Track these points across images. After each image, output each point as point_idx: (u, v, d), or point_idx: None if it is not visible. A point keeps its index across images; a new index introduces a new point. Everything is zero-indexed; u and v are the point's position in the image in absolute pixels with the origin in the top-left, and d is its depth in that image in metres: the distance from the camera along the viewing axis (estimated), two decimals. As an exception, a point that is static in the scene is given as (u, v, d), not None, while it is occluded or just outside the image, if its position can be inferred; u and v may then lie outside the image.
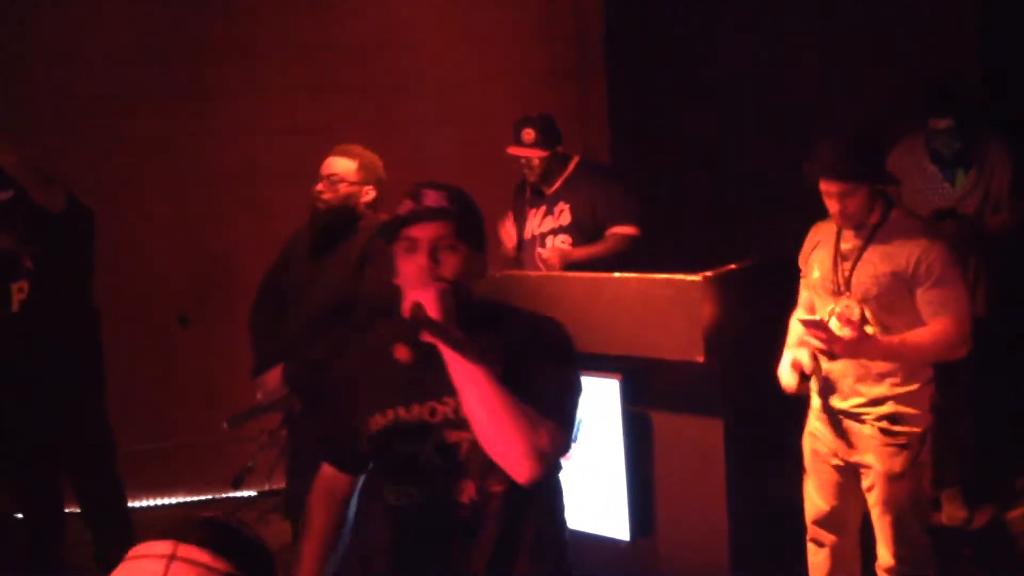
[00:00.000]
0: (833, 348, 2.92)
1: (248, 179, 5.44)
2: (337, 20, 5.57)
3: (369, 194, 3.63)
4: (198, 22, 5.41)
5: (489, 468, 1.98)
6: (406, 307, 1.91)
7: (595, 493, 3.55)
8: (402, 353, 1.88)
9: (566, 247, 4.37)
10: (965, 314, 2.96)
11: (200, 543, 1.37)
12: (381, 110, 5.57)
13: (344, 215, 3.59)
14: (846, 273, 3.07)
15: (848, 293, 3.06)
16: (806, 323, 2.98)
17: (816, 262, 3.20)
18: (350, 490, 2.29)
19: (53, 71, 5.22)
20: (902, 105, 4.47)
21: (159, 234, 5.34)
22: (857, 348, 2.94)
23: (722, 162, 5.23)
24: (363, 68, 5.61)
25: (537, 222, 4.50)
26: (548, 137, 4.40)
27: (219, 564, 1.36)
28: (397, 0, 5.59)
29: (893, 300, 2.99)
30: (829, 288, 3.12)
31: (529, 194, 4.56)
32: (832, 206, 3.04)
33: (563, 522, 2.20)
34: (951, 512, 4.31)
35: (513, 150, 4.43)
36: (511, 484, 1.98)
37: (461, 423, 1.99)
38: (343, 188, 3.58)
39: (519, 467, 1.90)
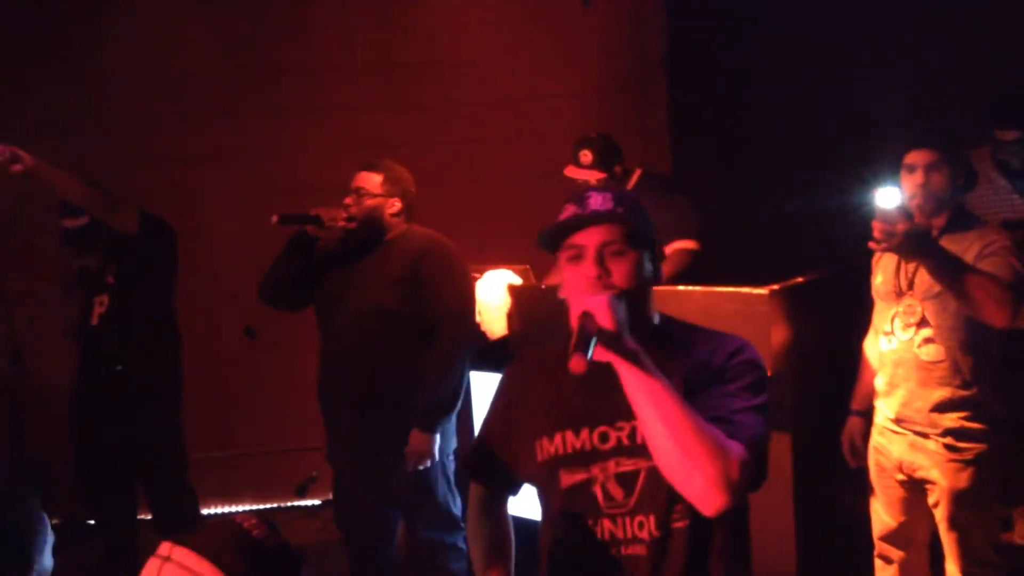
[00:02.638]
0: (891, 242, 2.76)
1: (314, 195, 5.50)
2: (401, 40, 5.67)
3: (395, 205, 3.69)
4: (267, 43, 5.54)
5: (671, 500, 1.79)
6: (574, 318, 1.73)
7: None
8: (577, 364, 1.63)
9: None
10: (1017, 286, 2.86)
11: (196, 548, 1.45)
12: (443, 127, 5.65)
13: (371, 227, 3.67)
14: (909, 274, 3.05)
15: (911, 293, 3.03)
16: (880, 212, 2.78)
17: (880, 268, 3.19)
18: (504, 506, 2.15)
19: (128, 92, 5.38)
20: (968, 118, 4.42)
21: (227, 248, 5.46)
22: (919, 242, 2.78)
23: (784, 176, 5.20)
24: (426, 86, 5.69)
25: None
26: (605, 158, 4.37)
27: (203, 569, 1.43)
28: (459, 20, 5.67)
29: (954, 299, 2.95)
30: (892, 290, 3.10)
31: None
32: (915, 180, 3.00)
33: (749, 564, 2.00)
34: None
35: (571, 172, 4.40)
36: (695, 519, 1.78)
37: (637, 450, 1.81)
38: (367, 201, 3.65)
39: (705, 496, 1.69)
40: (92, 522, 4.32)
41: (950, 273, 2.82)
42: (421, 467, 3.57)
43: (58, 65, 5.27)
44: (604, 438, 1.87)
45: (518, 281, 4.17)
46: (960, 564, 3.09)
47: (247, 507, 5.43)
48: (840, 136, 4.89)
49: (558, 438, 1.91)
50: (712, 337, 1.91)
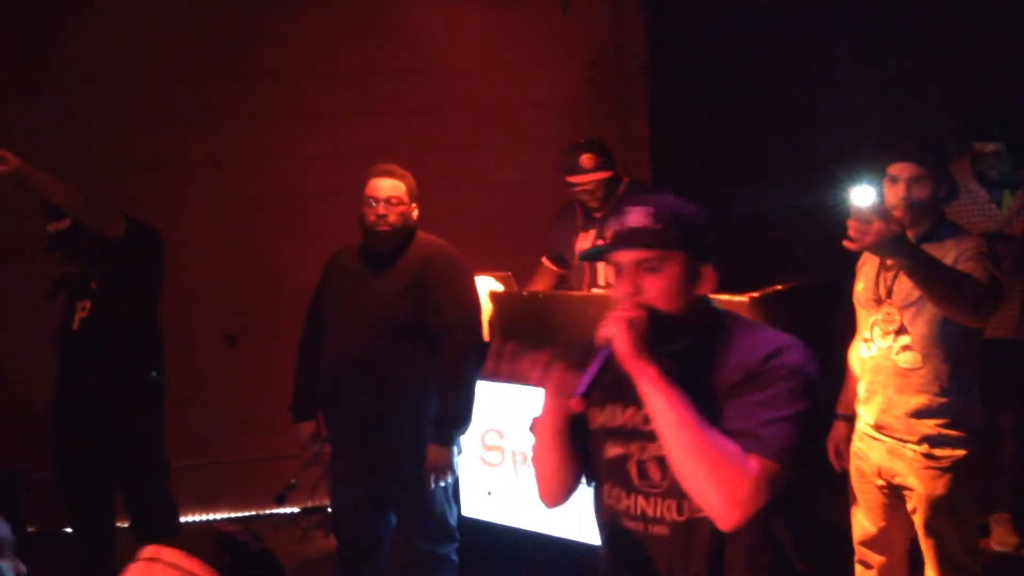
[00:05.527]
0: (865, 240, 2.75)
1: (292, 201, 5.53)
2: (381, 47, 5.67)
3: (416, 212, 3.71)
4: (245, 47, 5.52)
5: None
6: (598, 337, 1.85)
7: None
8: (576, 404, 1.82)
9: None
10: (991, 288, 2.88)
11: (183, 548, 1.44)
12: (422, 134, 5.65)
13: (406, 235, 3.69)
14: (888, 282, 3.07)
15: (889, 301, 3.05)
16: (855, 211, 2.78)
17: (862, 275, 3.21)
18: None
19: (103, 95, 5.34)
20: (946, 131, 4.45)
21: (206, 254, 5.43)
22: (894, 241, 2.75)
23: (766, 180, 5.23)
24: (405, 93, 5.69)
25: (587, 246, 4.37)
26: (607, 158, 4.32)
27: (194, 567, 1.41)
28: (439, 27, 5.67)
29: (932, 306, 2.96)
30: (871, 298, 3.12)
31: (581, 218, 4.45)
32: (897, 192, 3.03)
33: (790, 554, 1.96)
34: (1001, 537, 4.26)
35: (575, 178, 4.29)
36: None
37: None
38: (402, 209, 3.65)
39: (718, 513, 1.78)
40: (69, 530, 4.28)
41: (925, 272, 2.83)
42: (443, 482, 3.57)
43: (34, 69, 5.24)
44: (647, 420, 1.91)
45: (499, 288, 4.17)
46: (938, 570, 3.10)
47: (226, 515, 5.41)
48: (822, 138, 4.92)
49: (608, 409, 2.01)
50: (758, 337, 1.92)
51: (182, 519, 4.34)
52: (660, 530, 1.93)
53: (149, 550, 1.45)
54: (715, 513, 1.78)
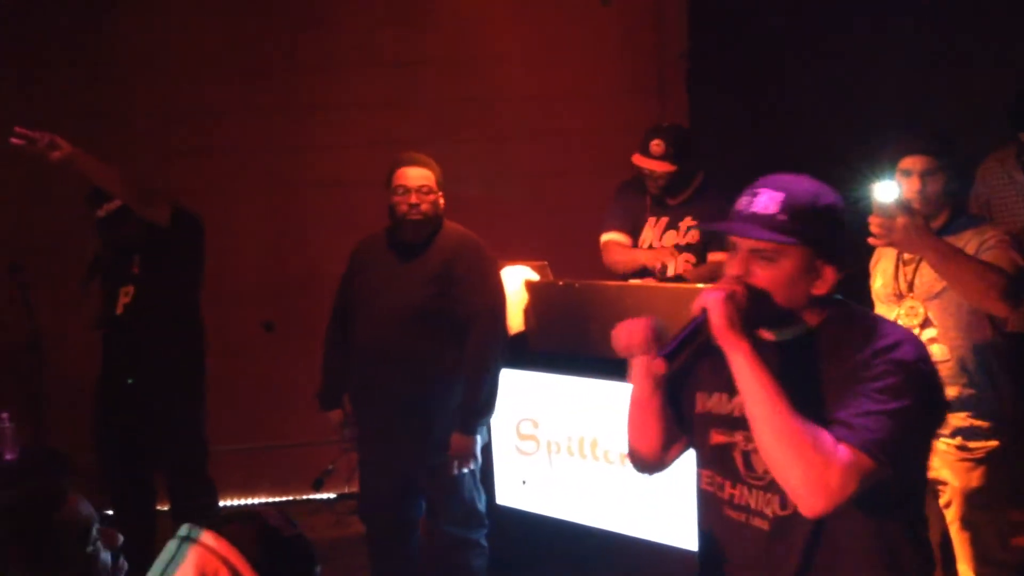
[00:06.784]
0: (890, 236, 2.77)
1: (332, 190, 5.58)
2: (421, 36, 5.69)
3: (442, 200, 3.73)
4: (287, 38, 5.58)
5: None
6: (695, 307, 1.81)
7: (680, 505, 3.56)
8: (657, 366, 1.83)
9: (688, 267, 4.11)
10: (1018, 277, 2.85)
11: (213, 528, 1.52)
12: (461, 123, 5.66)
13: (436, 224, 3.71)
14: (908, 276, 3.06)
15: (911, 294, 3.04)
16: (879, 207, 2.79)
17: (879, 272, 3.20)
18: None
19: (148, 85, 5.43)
20: (989, 119, 4.41)
21: (247, 242, 5.50)
22: (919, 235, 2.78)
23: (805, 172, 5.19)
24: (446, 83, 5.71)
25: (657, 234, 4.23)
26: (679, 151, 4.11)
27: (222, 548, 1.48)
28: (480, 16, 5.68)
29: (956, 297, 2.95)
30: (892, 293, 3.11)
31: (651, 201, 4.25)
32: (911, 185, 3.01)
33: (906, 563, 1.86)
34: (1041, 533, 4.20)
35: (638, 160, 4.15)
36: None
37: None
38: (432, 197, 3.66)
39: (801, 498, 1.72)
40: (110, 512, 4.36)
41: (951, 263, 2.82)
42: (466, 470, 3.61)
43: (78, 60, 5.34)
44: None
45: (535, 277, 4.18)
46: (972, 565, 3.08)
47: (264, 500, 5.48)
48: (863, 131, 4.88)
49: (715, 397, 1.98)
50: (873, 331, 1.83)
51: (221, 503, 4.41)
52: (760, 523, 1.89)
53: (183, 528, 1.53)
54: (798, 498, 1.72)
